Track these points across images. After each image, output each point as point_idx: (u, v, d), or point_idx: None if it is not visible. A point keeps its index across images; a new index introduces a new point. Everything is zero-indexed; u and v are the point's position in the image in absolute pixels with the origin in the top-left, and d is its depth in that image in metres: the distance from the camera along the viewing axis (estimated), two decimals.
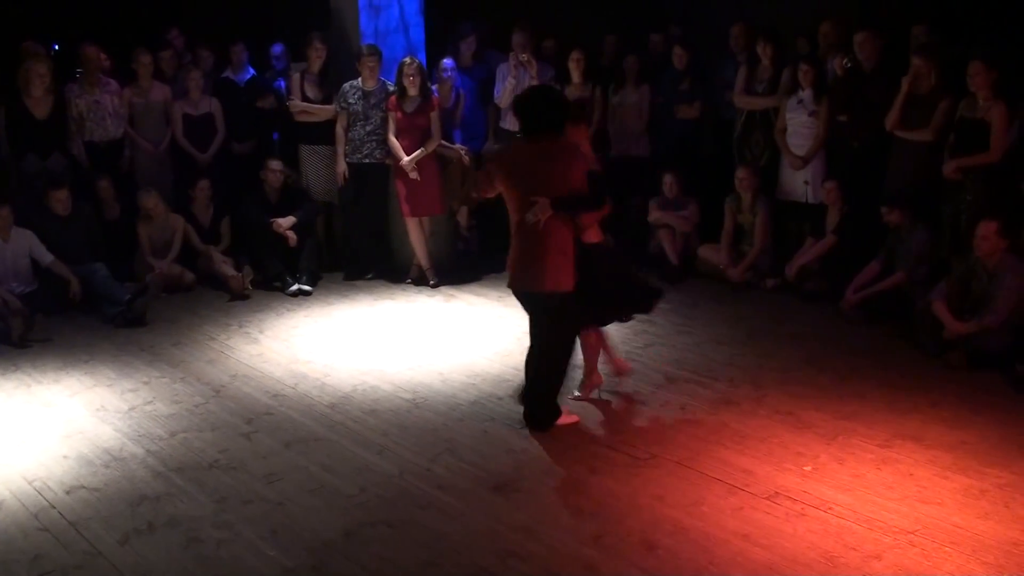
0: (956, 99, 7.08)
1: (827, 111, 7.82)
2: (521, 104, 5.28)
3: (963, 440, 5.16)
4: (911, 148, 7.31)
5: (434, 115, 8.26)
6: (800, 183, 8.05)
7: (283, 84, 9.10)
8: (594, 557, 4.17)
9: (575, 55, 8.70)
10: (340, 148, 8.56)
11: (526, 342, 5.47)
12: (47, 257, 7.76)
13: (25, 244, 7.73)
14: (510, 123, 8.83)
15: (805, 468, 4.89)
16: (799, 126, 8.00)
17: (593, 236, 5.48)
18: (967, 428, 5.31)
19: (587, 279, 5.30)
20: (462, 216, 9.18)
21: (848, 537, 4.25)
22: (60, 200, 7.95)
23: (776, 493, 4.64)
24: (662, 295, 5.96)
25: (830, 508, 4.49)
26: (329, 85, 8.67)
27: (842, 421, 5.44)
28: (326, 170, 8.78)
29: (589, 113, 8.39)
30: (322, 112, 8.63)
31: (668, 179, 8.45)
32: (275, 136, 9.34)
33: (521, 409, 5.51)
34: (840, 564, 4.06)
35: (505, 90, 8.71)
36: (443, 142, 8.42)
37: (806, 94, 7.91)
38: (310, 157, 8.83)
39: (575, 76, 8.71)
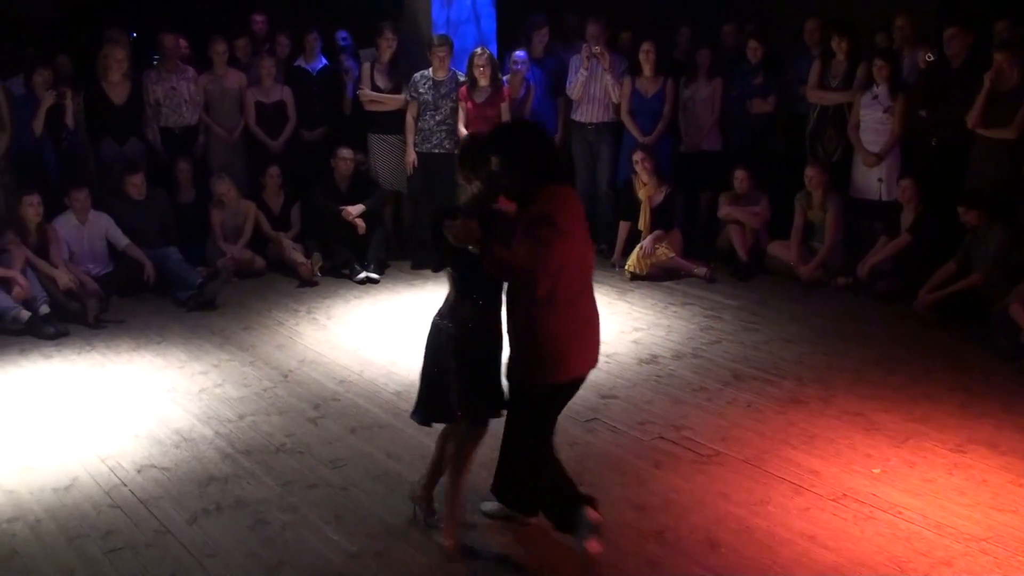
0: None
1: (903, 107, 7.67)
2: (523, 151, 3.90)
3: None
4: (993, 146, 7.14)
5: (504, 106, 8.27)
6: (874, 180, 7.90)
7: (355, 67, 9.14)
8: (657, 553, 4.15)
9: (645, 47, 8.63)
10: (410, 137, 8.61)
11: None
12: (123, 240, 7.93)
13: (102, 227, 7.91)
14: (581, 115, 8.82)
15: (874, 470, 4.82)
16: (873, 122, 7.85)
17: None
18: None
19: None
20: None
21: (917, 542, 4.17)
22: (136, 185, 8.11)
23: (844, 495, 4.57)
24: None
25: (899, 512, 4.41)
26: (399, 74, 8.71)
27: (913, 424, 5.34)
28: (395, 159, 8.83)
29: None
30: (392, 101, 8.68)
31: (739, 174, 8.35)
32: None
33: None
34: (909, 569, 3.99)
35: (577, 82, 8.70)
36: None
37: (881, 90, 7.76)
38: (379, 146, 8.88)
39: (646, 69, 8.64)
